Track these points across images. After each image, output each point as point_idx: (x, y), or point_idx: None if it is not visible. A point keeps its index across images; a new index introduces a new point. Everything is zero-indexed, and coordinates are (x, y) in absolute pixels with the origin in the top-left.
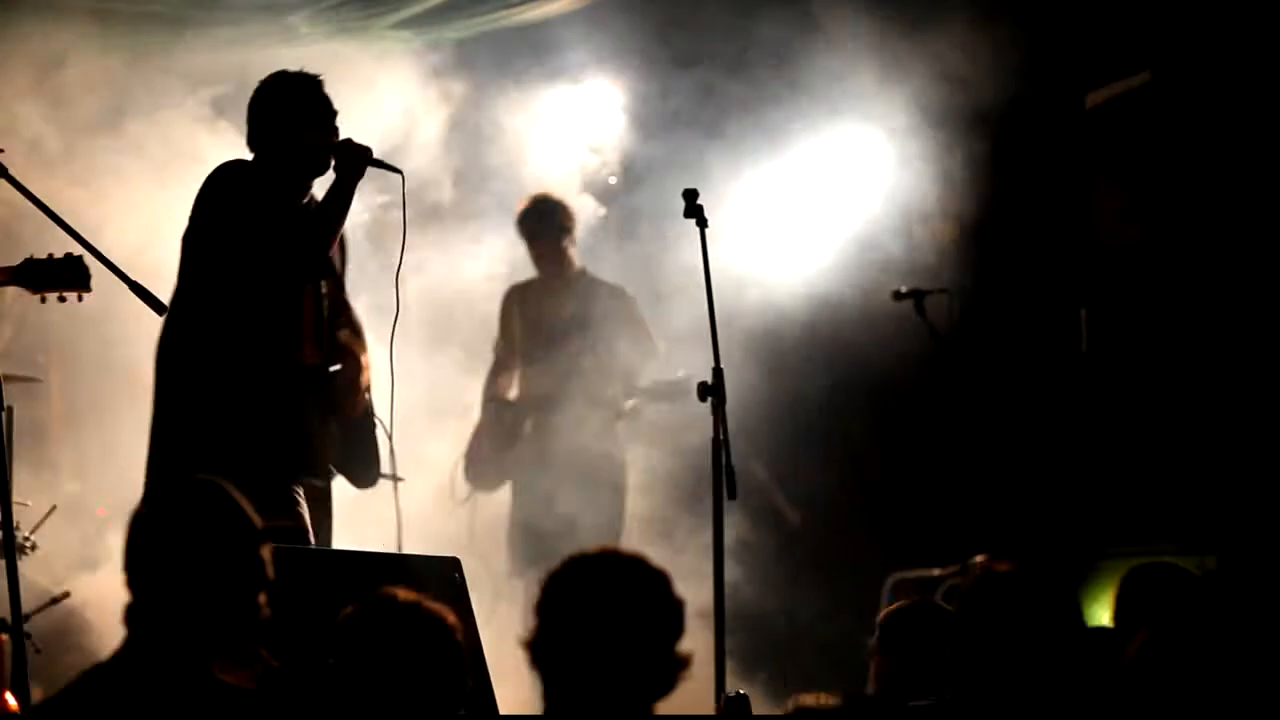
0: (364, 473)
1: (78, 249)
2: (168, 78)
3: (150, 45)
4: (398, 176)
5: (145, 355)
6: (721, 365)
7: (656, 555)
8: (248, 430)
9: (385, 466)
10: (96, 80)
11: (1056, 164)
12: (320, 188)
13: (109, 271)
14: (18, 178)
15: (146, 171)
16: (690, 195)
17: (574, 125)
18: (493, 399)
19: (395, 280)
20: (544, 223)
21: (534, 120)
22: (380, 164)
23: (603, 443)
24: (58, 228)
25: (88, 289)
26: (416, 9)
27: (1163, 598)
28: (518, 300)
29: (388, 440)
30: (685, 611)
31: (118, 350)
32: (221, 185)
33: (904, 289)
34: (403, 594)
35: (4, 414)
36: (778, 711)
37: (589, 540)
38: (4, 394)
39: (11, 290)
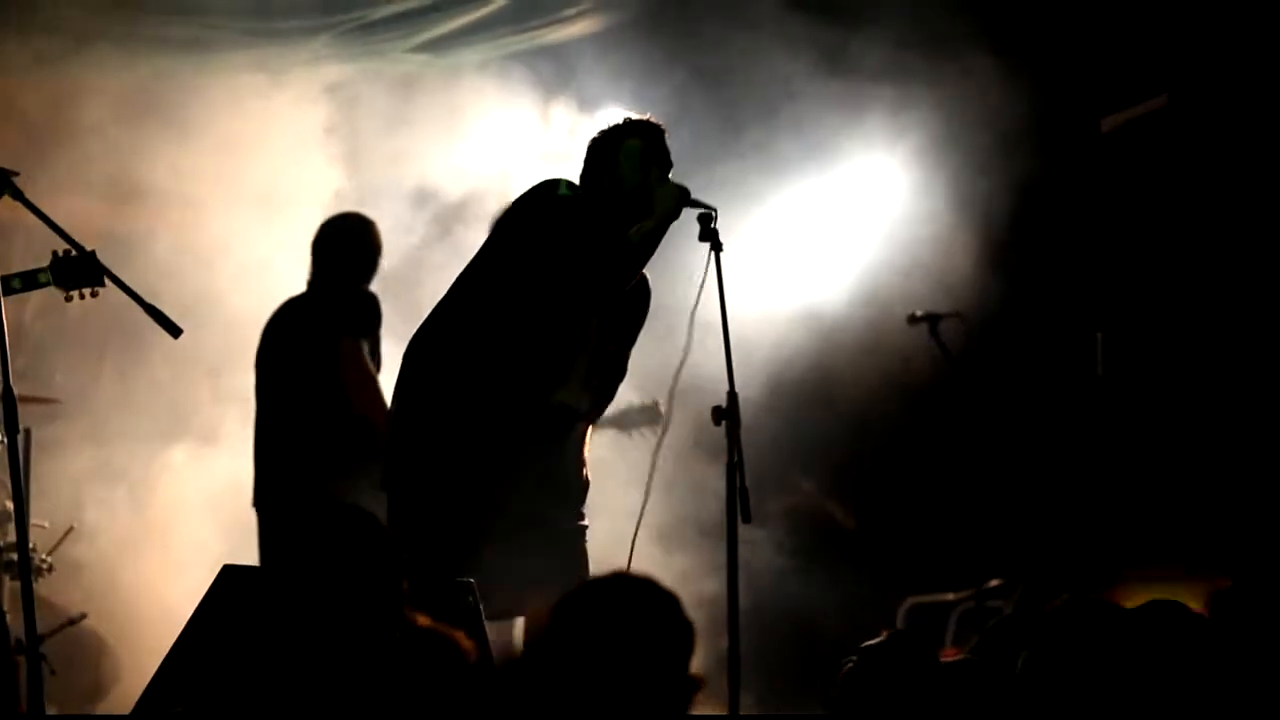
0: None
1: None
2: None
3: (170, 70)
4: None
5: (164, 376)
6: (736, 389)
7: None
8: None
9: None
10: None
11: (1072, 188)
12: None
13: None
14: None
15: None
16: (705, 219)
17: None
18: None
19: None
20: None
21: (547, 144)
22: (695, 203)
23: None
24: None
25: (102, 284)
26: (436, 32)
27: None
28: None
29: None
30: (695, 634)
31: (136, 370)
32: (545, 206)
33: (919, 313)
34: (421, 619)
35: (21, 436)
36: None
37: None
38: (21, 415)
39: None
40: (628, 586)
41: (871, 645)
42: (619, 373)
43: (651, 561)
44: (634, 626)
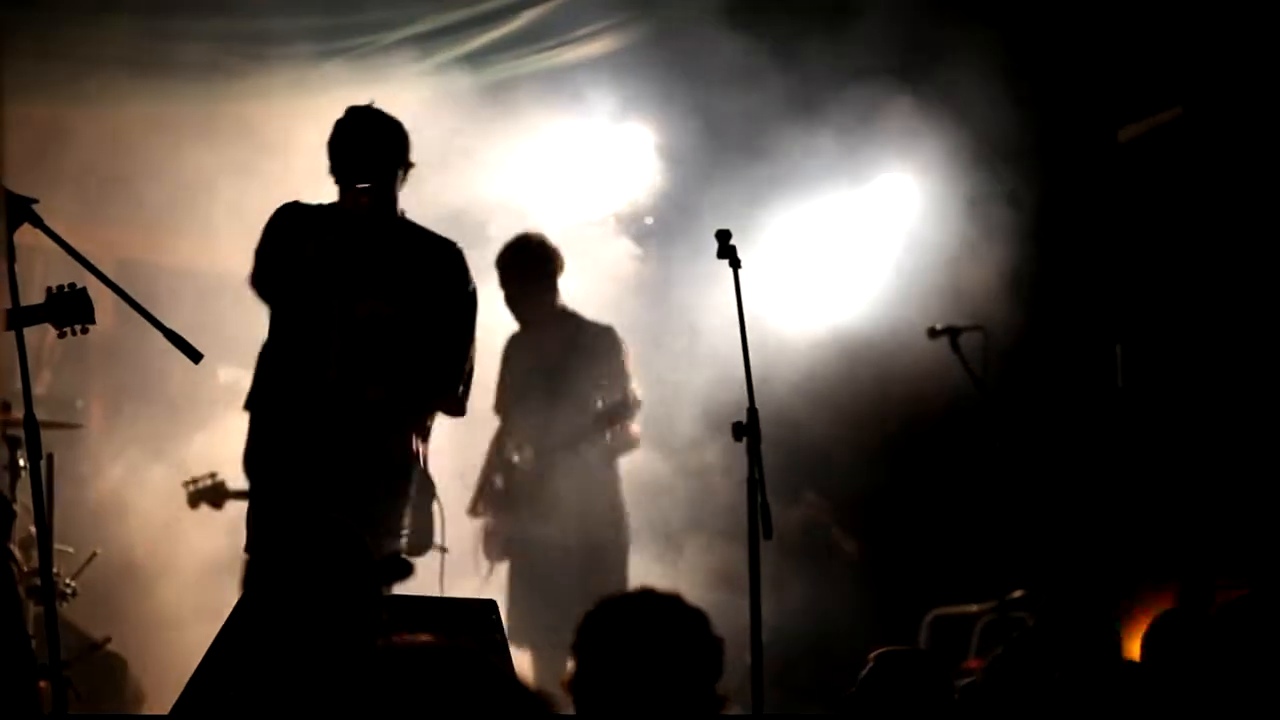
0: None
1: (81, 281)
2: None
3: (185, 94)
4: None
5: (184, 400)
6: (756, 405)
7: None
8: None
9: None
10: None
11: (1090, 199)
12: None
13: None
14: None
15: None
16: (723, 236)
17: (609, 167)
18: (497, 460)
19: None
20: (520, 265)
21: (569, 162)
22: None
23: (597, 489)
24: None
25: (92, 321)
26: (451, 54)
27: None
28: (511, 351)
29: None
30: (724, 650)
31: (157, 394)
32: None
33: (939, 326)
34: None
35: (44, 461)
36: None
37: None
38: (44, 441)
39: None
40: (654, 603)
41: (888, 652)
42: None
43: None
44: (661, 642)
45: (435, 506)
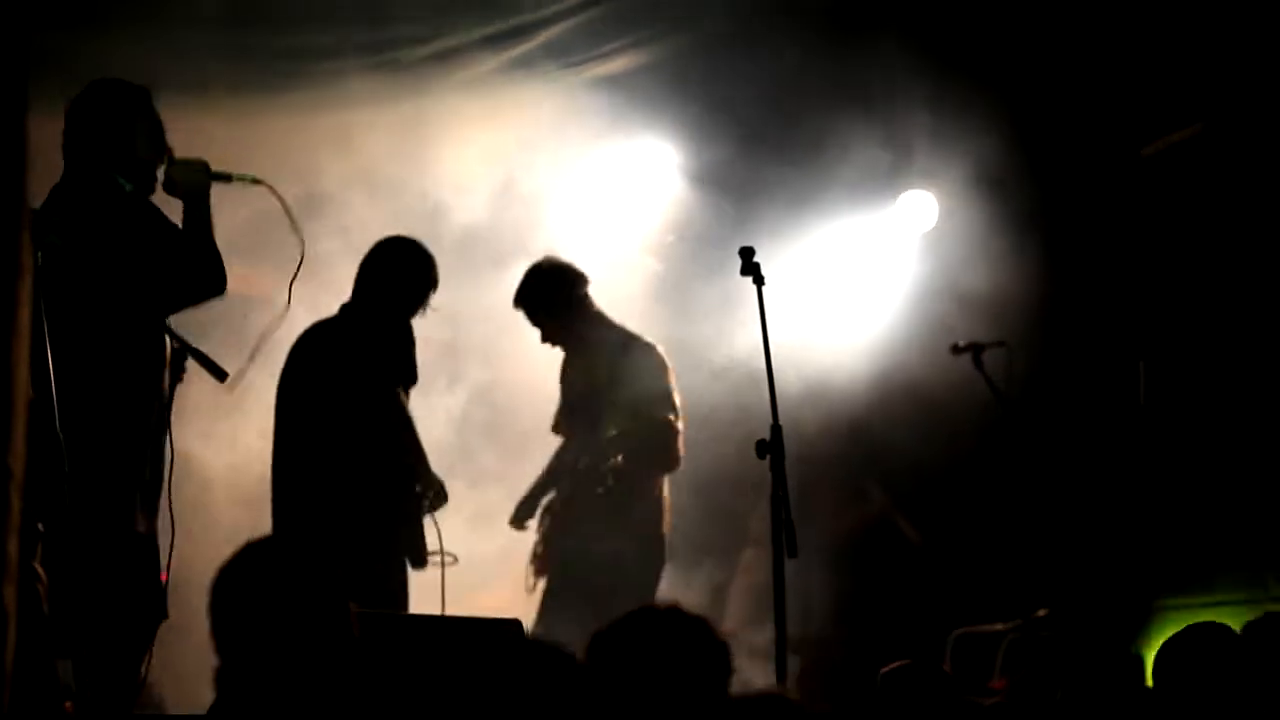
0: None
1: None
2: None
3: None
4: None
5: (209, 419)
6: (780, 422)
7: None
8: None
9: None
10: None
11: (1113, 215)
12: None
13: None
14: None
15: None
16: (747, 253)
17: (631, 184)
18: (551, 477)
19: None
20: (526, 299)
21: (591, 179)
22: (226, 176)
23: (634, 515)
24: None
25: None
26: (481, 69)
27: (1203, 660)
28: (563, 371)
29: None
30: (730, 652)
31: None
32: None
33: (962, 343)
34: None
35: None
36: None
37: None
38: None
39: None
40: (656, 618)
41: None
42: None
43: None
44: (669, 653)
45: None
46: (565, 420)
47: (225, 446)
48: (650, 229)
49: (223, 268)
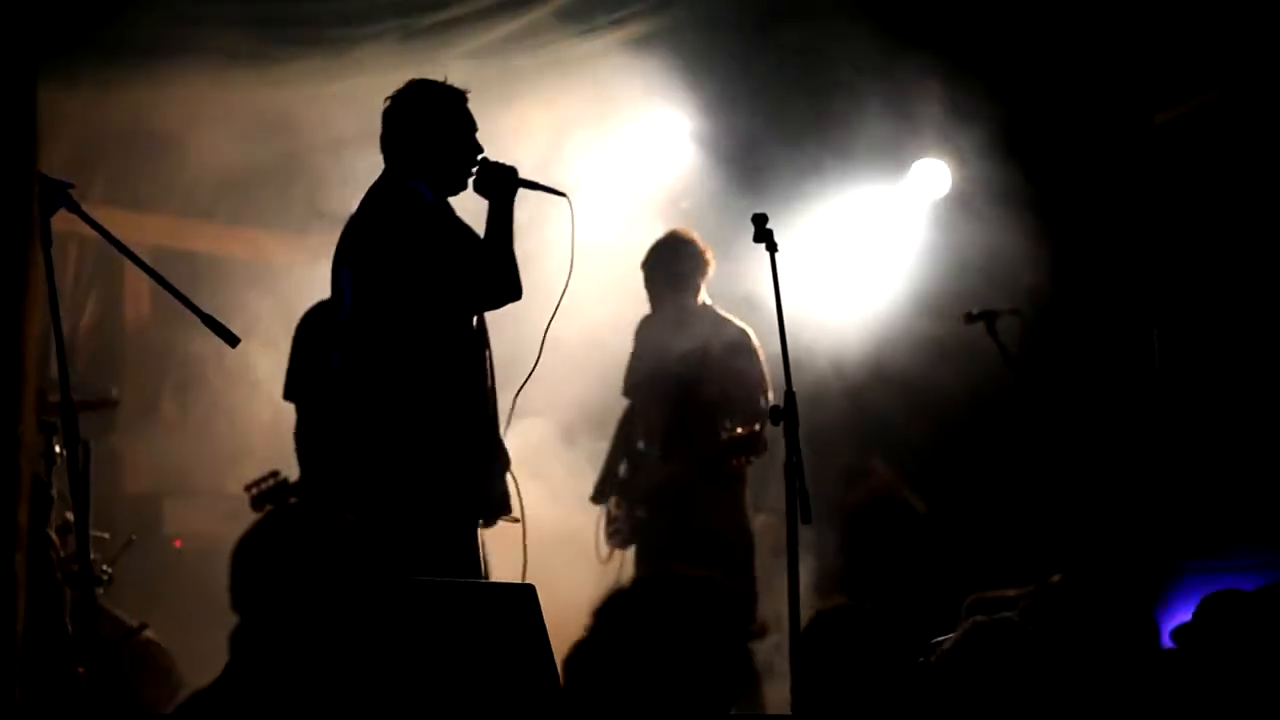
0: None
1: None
2: None
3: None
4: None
5: (221, 387)
6: (794, 389)
7: None
8: (442, 470)
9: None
10: None
11: (1127, 183)
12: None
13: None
14: None
15: None
16: (760, 220)
17: (642, 151)
18: (623, 446)
19: (548, 322)
20: (664, 262)
21: (605, 149)
22: (533, 185)
23: (723, 496)
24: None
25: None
26: (484, 39)
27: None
28: (642, 331)
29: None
30: (739, 603)
31: (193, 379)
32: (397, 208)
33: (975, 311)
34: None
35: (81, 448)
36: None
37: None
38: (80, 428)
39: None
40: (664, 582)
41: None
42: None
43: None
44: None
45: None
46: (634, 381)
47: None
48: (662, 196)
49: (517, 274)
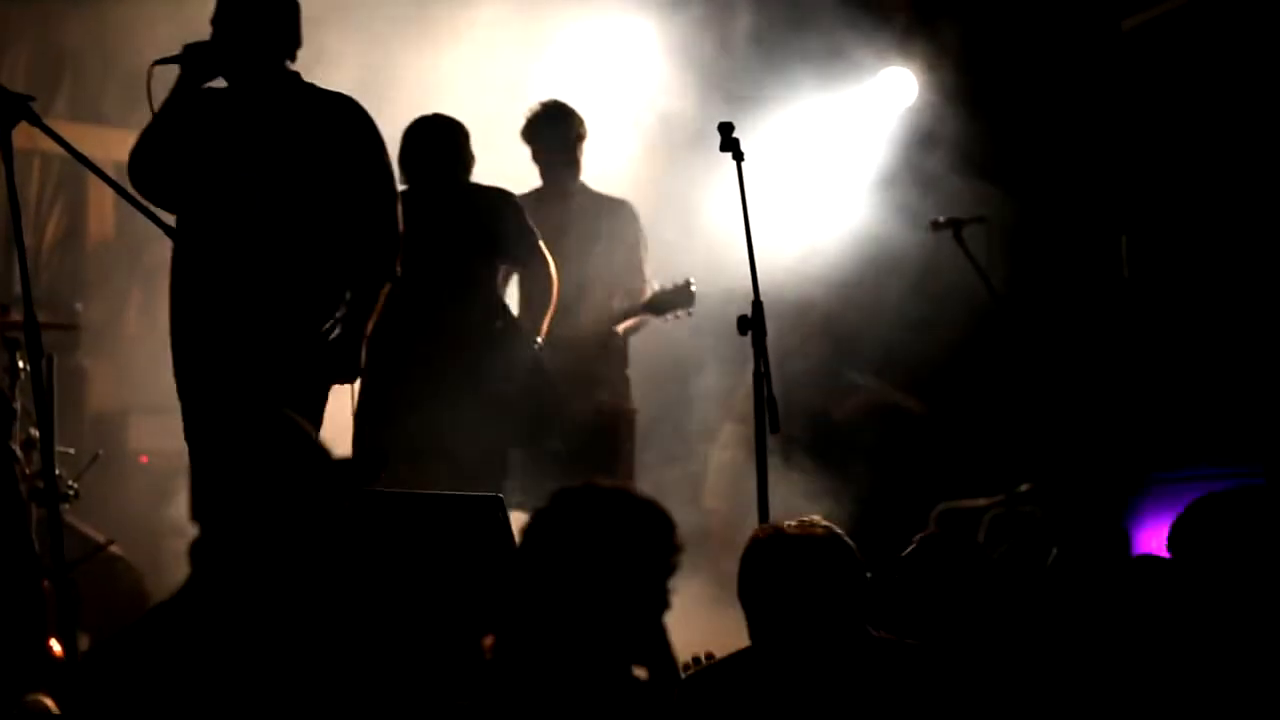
0: None
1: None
2: None
3: None
4: None
5: None
6: (760, 298)
7: None
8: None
9: None
10: None
11: (1094, 89)
12: None
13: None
14: None
15: None
16: (726, 128)
17: (610, 61)
18: None
19: None
20: (554, 129)
21: (570, 56)
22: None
23: (600, 363)
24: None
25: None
26: None
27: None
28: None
29: None
30: (674, 528)
31: (159, 294)
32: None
33: (941, 219)
34: None
35: (45, 362)
36: None
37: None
38: (44, 343)
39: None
40: (600, 494)
41: (907, 554)
42: None
43: None
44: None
45: None
46: None
47: None
48: (626, 105)
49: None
